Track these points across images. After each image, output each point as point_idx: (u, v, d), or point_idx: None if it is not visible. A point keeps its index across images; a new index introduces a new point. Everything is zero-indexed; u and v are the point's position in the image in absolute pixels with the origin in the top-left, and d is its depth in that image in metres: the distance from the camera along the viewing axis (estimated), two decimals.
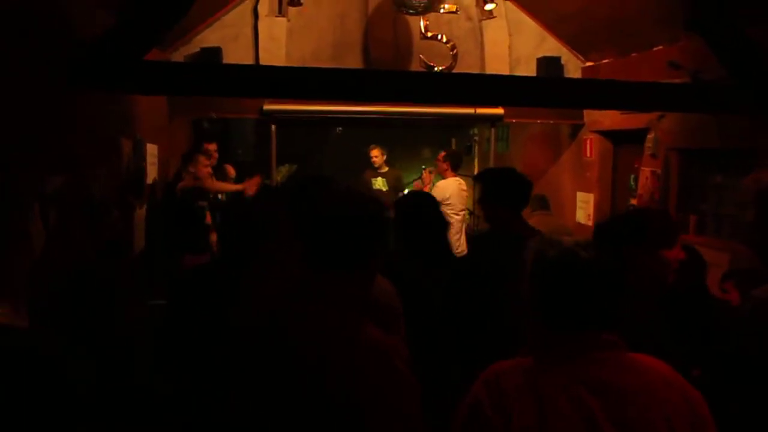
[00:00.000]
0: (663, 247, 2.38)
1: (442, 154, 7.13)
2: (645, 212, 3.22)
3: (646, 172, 5.72)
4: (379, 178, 7.74)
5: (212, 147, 6.18)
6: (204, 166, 5.82)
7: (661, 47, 5.45)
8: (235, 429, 1.72)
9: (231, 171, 6.87)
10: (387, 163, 7.80)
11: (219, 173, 6.51)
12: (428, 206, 3.25)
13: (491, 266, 2.94)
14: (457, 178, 6.77)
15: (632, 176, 6.19)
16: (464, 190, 6.76)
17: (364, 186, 7.53)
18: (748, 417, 2.15)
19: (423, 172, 7.90)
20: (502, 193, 3.28)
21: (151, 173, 5.48)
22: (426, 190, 7.22)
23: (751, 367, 2.26)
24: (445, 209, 6.79)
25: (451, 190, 6.62)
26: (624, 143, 6.58)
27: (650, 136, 5.60)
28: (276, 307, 1.76)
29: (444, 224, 3.28)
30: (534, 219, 6.13)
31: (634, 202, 5.92)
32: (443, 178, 6.94)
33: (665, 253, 2.38)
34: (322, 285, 1.69)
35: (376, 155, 7.79)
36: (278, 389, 1.60)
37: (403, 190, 7.64)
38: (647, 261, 2.31)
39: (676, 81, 4.85)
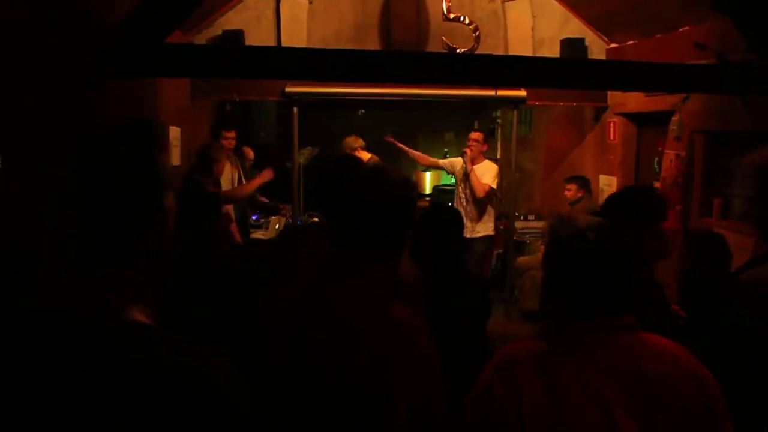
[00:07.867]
0: (661, 221, 2.45)
1: (480, 134, 6.49)
2: (639, 189, 3.17)
3: (670, 154, 5.65)
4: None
5: (230, 135, 6.21)
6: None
7: (686, 28, 5.35)
8: (268, 408, 1.74)
9: (250, 153, 6.93)
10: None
11: (238, 155, 6.58)
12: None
13: None
14: None
15: (655, 159, 6.12)
16: None
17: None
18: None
19: (466, 153, 6.53)
20: None
21: (175, 155, 5.52)
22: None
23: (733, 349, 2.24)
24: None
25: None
26: (648, 126, 6.48)
27: (675, 118, 5.52)
28: (305, 291, 1.76)
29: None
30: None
31: (657, 185, 5.85)
32: (473, 160, 6.34)
33: (663, 225, 2.45)
34: (350, 267, 1.69)
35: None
36: (308, 371, 1.61)
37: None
38: (650, 238, 2.32)
39: (702, 62, 4.78)
